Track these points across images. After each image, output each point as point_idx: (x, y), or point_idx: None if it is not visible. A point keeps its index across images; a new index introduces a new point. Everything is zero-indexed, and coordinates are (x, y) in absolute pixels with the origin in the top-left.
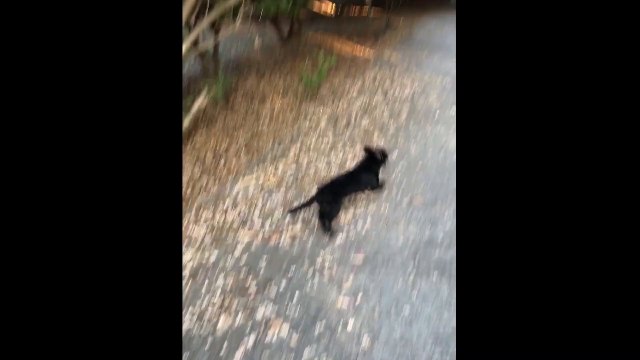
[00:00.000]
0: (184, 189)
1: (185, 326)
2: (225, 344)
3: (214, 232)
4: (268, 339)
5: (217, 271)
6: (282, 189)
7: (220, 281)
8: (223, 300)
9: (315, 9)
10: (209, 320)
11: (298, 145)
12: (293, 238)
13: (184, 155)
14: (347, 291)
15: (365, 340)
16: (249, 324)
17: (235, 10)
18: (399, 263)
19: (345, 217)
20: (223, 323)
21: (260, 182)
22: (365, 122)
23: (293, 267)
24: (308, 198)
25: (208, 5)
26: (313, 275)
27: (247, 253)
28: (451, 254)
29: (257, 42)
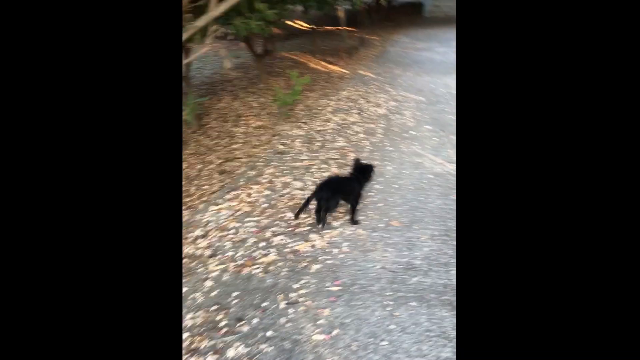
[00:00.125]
0: None
1: None
2: None
3: (184, 263)
4: None
5: (185, 308)
6: (256, 215)
7: (189, 320)
8: (191, 342)
9: (291, 26)
10: None
11: (272, 167)
12: (266, 268)
13: None
14: (324, 325)
15: None
16: None
17: (204, 31)
18: (376, 291)
19: (320, 243)
20: None
21: (233, 208)
22: (340, 142)
23: (266, 301)
24: (308, 196)
25: None
26: (287, 308)
27: (217, 286)
28: (429, 280)
29: (227, 62)
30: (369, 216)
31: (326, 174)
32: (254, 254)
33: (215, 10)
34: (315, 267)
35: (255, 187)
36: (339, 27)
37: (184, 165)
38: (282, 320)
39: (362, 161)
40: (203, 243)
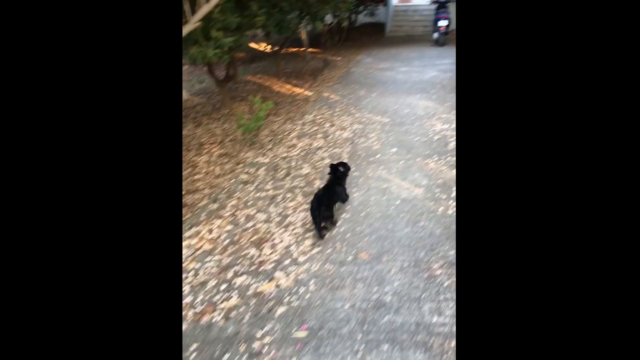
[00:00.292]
0: None
1: None
2: None
3: None
4: None
5: None
6: (217, 253)
7: None
8: None
9: (254, 49)
10: None
11: (235, 200)
12: (228, 313)
13: None
14: None
15: None
16: None
17: None
18: (346, 335)
19: (286, 282)
20: None
21: (193, 246)
22: (305, 169)
23: (228, 352)
24: (312, 213)
25: None
26: None
27: None
28: (400, 319)
29: (185, 93)
30: (336, 249)
31: (292, 204)
32: (215, 299)
33: None
34: (280, 310)
35: (217, 221)
36: (303, 49)
37: None
38: None
39: (334, 163)
40: None
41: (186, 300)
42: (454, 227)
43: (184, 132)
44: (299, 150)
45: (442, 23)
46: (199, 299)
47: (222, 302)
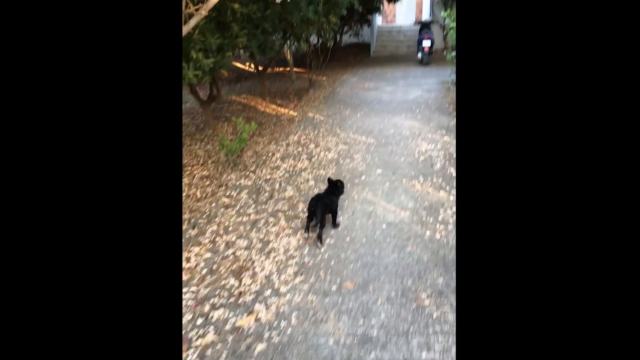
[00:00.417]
0: None
1: None
2: None
3: None
4: None
5: None
6: (195, 284)
7: None
8: None
9: (240, 69)
10: None
11: (215, 225)
12: (204, 352)
13: None
14: None
15: None
16: None
17: None
18: None
19: (266, 315)
20: None
21: None
22: (289, 191)
23: None
24: (312, 215)
25: None
26: None
27: None
28: (387, 355)
29: None
30: (320, 278)
31: (274, 229)
32: (190, 335)
33: None
34: (259, 347)
35: (196, 249)
36: (288, 69)
37: None
38: None
39: (333, 179)
40: None
41: None
42: (441, 252)
43: None
44: (283, 171)
45: (426, 43)
46: None
47: (197, 339)
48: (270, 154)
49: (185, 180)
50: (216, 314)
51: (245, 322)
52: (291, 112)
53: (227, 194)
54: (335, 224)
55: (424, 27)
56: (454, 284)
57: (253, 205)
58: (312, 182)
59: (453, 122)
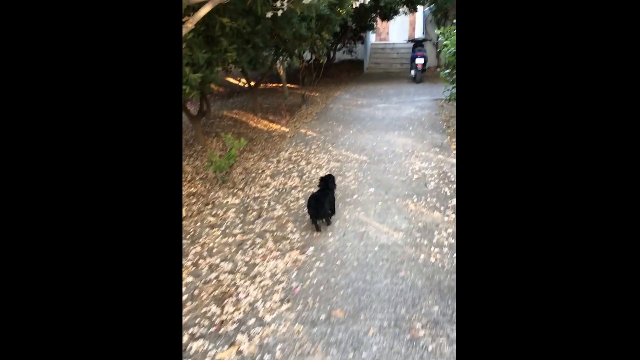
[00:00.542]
0: None
1: None
2: None
3: None
4: None
5: None
6: None
7: None
8: None
9: (233, 84)
10: None
11: (199, 246)
12: None
13: None
14: None
15: None
16: None
17: None
18: None
19: (248, 348)
20: None
21: None
22: (278, 210)
23: None
24: (315, 214)
25: None
26: None
27: None
28: None
29: None
30: (308, 305)
31: (261, 251)
32: None
33: None
34: None
35: None
36: (280, 85)
37: None
38: None
39: (323, 175)
40: None
41: None
42: (436, 277)
43: None
44: (273, 189)
45: (419, 61)
46: None
47: None
48: (260, 171)
49: None
50: (195, 345)
51: (226, 354)
52: (283, 128)
53: (214, 212)
54: (329, 221)
55: (417, 45)
56: (450, 313)
57: (240, 225)
58: (302, 201)
59: (447, 139)
